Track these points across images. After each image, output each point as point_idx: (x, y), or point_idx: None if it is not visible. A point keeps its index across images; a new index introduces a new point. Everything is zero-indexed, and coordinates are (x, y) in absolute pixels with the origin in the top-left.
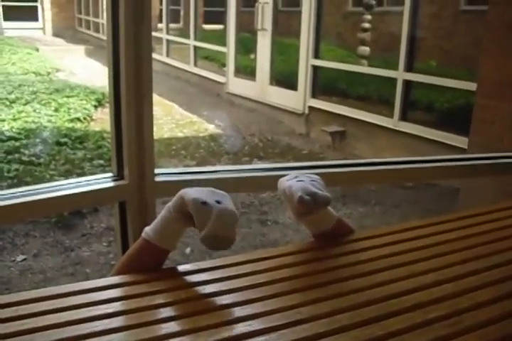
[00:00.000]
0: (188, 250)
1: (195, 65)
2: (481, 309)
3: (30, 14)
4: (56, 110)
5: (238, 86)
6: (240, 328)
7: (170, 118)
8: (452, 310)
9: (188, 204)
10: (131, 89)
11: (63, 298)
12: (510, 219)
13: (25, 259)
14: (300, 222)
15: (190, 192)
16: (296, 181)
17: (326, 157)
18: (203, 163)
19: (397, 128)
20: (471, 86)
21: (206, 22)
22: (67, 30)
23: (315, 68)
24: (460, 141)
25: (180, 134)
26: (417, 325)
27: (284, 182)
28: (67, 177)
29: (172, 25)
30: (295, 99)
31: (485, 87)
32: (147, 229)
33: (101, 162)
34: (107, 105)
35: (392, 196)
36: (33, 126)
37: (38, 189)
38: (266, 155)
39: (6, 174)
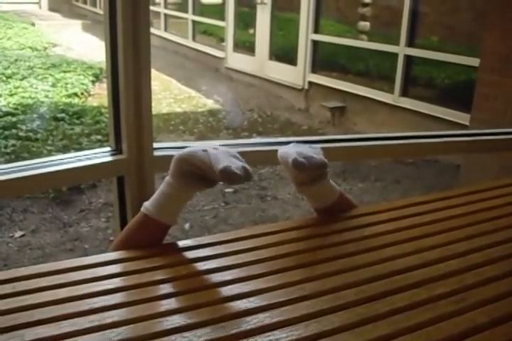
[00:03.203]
0: (187, 225)
1: (194, 39)
2: (487, 285)
3: None
4: (53, 85)
5: (237, 61)
6: (242, 305)
7: (168, 93)
8: (458, 287)
9: (191, 158)
10: (129, 62)
11: (62, 274)
12: None
13: (23, 235)
14: (302, 194)
15: (185, 151)
16: (293, 147)
17: (325, 133)
18: (202, 139)
19: (397, 104)
20: (473, 61)
21: None
22: (63, 5)
23: (315, 43)
24: (461, 117)
25: (178, 109)
26: (423, 302)
27: (282, 150)
28: (64, 153)
29: None
30: (294, 74)
31: (488, 62)
32: (146, 203)
33: (99, 137)
34: (105, 80)
35: (392, 172)
36: (30, 101)
37: (35, 163)
38: (265, 130)
39: (3, 150)
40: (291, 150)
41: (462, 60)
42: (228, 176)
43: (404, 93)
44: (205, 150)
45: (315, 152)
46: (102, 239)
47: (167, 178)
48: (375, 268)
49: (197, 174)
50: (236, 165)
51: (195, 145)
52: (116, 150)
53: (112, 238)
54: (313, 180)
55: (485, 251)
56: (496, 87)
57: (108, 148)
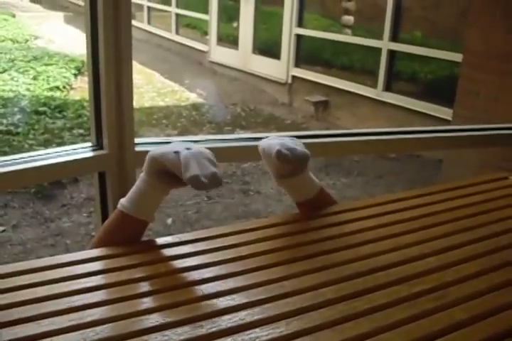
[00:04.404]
0: (169, 221)
1: (177, 32)
2: (467, 282)
3: None
4: (35, 78)
5: (220, 54)
6: (223, 302)
7: (151, 87)
8: (438, 284)
9: (162, 159)
10: (110, 56)
11: (41, 272)
12: (496, 191)
13: (4, 231)
14: (282, 187)
15: (158, 150)
16: (276, 139)
17: (309, 127)
18: (185, 133)
19: (380, 99)
20: (457, 57)
21: None
22: None
23: (298, 37)
24: (444, 112)
25: (161, 103)
26: (403, 299)
27: (264, 142)
28: (46, 147)
29: None
30: (278, 69)
31: (471, 58)
32: (123, 200)
33: (81, 131)
34: (87, 73)
35: (375, 167)
36: (11, 94)
37: (15, 159)
38: (248, 124)
39: None
40: (273, 142)
41: (445, 56)
42: (196, 185)
43: (388, 88)
44: (176, 152)
45: (298, 144)
46: (84, 234)
47: (142, 174)
48: (355, 265)
49: (169, 173)
50: (205, 172)
51: (172, 142)
52: (98, 145)
53: (93, 233)
54: (294, 173)
55: (464, 248)
56: (478, 84)
57: (89, 144)
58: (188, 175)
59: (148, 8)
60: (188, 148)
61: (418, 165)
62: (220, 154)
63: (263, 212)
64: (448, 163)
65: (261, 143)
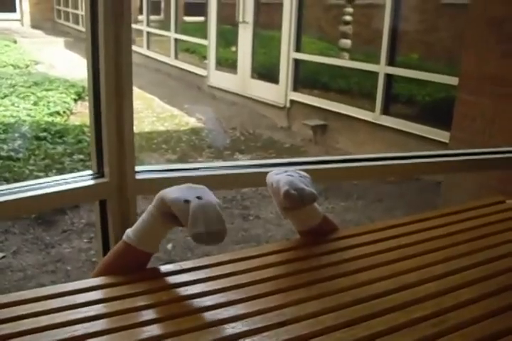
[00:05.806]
0: (169, 246)
1: (176, 57)
2: (465, 308)
3: (7, 5)
4: (35, 104)
5: (219, 79)
6: (223, 330)
7: (151, 112)
8: (436, 310)
9: (171, 205)
10: (110, 85)
11: (42, 301)
12: (493, 215)
13: (4, 257)
14: (286, 217)
15: (170, 193)
16: (285, 175)
17: (307, 151)
18: (185, 157)
19: (378, 122)
20: (453, 80)
21: (187, 14)
22: (46, 22)
23: (296, 61)
24: (441, 135)
25: (161, 128)
26: (401, 325)
27: (273, 176)
28: (46, 173)
29: (153, 17)
30: (276, 93)
31: (467, 82)
32: (128, 231)
33: (81, 157)
34: (87, 98)
35: (374, 190)
36: (12, 120)
37: (14, 188)
38: (247, 148)
39: None
40: (282, 178)
41: (441, 79)
42: (198, 241)
43: (385, 111)
44: (187, 201)
45: (306, 182)
46: (85, 260)
47: (150, 207)
48: (354, 292)
49: (176, 216)
50: (211, 229)
51: (180, 187)
52: (98, 173)
53: (94, 259)
54: (298, 206)
55: (463, 273)
56: (474, 107)
57: (90, 172)
58: (193, 230)
59: (148, 33)
60: (198, 197)
61: (417, 188)
62: (220, 182)
63: (263, 237)
64: (447, 185)
65: (269, 177)
